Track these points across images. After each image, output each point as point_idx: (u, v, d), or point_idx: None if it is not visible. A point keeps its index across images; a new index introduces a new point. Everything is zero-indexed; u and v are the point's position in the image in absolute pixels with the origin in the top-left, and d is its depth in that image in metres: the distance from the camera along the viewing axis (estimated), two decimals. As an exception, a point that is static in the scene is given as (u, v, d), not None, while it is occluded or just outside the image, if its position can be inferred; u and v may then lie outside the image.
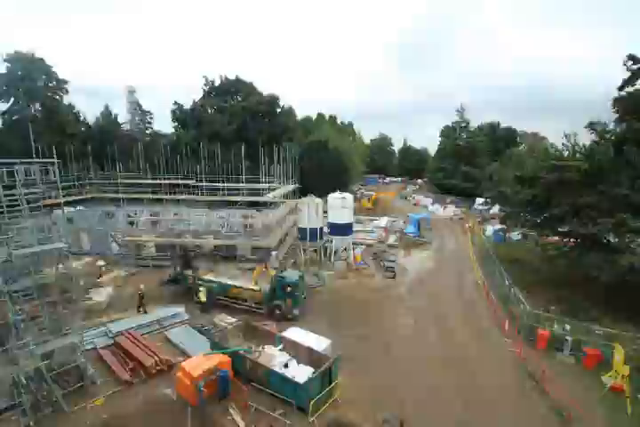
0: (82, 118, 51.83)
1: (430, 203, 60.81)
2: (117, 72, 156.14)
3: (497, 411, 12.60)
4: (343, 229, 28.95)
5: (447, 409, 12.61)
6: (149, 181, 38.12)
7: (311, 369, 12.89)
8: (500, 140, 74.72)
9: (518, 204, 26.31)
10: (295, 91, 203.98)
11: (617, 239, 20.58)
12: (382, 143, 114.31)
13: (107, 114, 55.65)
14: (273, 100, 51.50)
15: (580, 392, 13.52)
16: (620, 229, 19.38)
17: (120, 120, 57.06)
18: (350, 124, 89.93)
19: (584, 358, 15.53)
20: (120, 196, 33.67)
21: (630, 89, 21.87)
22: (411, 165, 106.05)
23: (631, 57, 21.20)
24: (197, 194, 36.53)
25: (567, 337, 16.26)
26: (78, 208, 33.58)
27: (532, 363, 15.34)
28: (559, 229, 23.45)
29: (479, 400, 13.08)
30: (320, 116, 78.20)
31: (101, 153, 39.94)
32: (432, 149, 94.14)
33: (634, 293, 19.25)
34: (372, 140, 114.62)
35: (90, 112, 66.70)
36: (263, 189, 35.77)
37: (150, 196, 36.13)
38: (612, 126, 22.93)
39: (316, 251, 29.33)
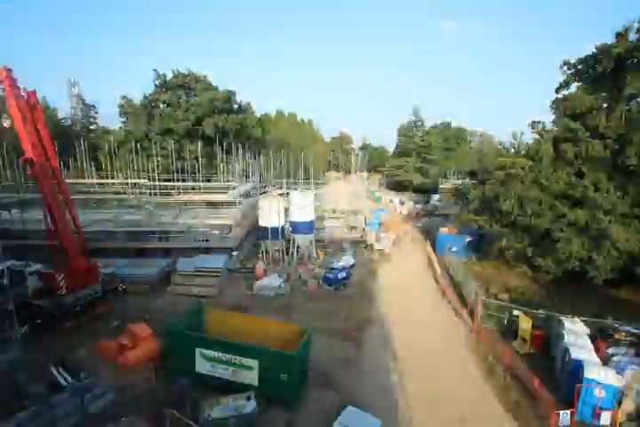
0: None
1: (394, 200, 62.28)
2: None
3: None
4: (305, 227, 28.81)
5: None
6: (95, 181, 35.40)
7: None
8: (451, 138, 78.30)
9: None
10: (254, 87, 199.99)
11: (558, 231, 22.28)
12: (342, 141, 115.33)
13: (44, 108, 50.82)
14: (229, 96, 49.86)
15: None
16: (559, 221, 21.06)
17: (60, 115, 52.49)
18: (310, 122, 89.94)
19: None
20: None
21: (566, 92, 23.85)
22: (372, 162, 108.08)
23: (566, 63, 23.15)
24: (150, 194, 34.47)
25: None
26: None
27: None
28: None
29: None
30: (279, 113, 77.37)
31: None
32: (391, 147, 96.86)
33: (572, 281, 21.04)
34: (333, 138, 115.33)
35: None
36: (222, 188, 34.61)
37: (97, 196, 33.50)
38: (550, 126, 24.84)
39: (278, 250, 28.87)
